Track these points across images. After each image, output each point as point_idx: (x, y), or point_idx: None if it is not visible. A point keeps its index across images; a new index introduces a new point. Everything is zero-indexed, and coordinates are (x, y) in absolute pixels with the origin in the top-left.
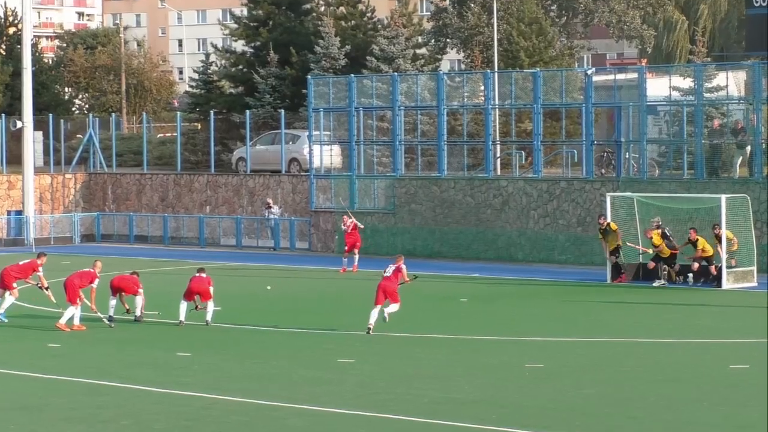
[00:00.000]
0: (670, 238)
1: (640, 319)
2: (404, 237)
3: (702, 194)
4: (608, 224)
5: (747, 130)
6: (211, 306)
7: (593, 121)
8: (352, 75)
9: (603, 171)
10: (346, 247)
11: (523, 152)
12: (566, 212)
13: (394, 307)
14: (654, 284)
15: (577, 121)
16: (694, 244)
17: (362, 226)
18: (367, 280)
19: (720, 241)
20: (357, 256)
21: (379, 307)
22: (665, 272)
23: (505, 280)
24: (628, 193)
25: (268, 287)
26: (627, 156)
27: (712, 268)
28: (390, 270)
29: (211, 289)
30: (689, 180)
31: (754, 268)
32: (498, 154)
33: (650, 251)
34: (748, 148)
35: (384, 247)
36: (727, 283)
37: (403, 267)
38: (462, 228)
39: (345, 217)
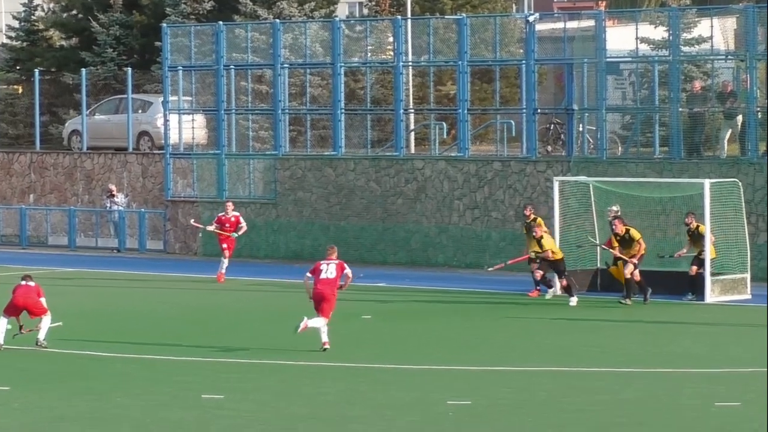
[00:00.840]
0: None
1: (595, 342)
2: (289, 235)
3: (679, 179)
4: (533, 219)
5: (738, 95)
6: (46, 322)
7: (536, 84)
8: (221, 22)
9: (549, 148)
10: (226, 248)
11: (444, 124)
12: (501, 203)
13: (317, 322)
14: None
15: (516, 83)
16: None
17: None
18: (242, 291)
19: (693, 237)
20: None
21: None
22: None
23: (420, 292)
24: (583, 178)
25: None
26: (581, 129)
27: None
28: (331, 270)
29: (43, 300)
30: (662, 160)
31: (747, 275)
32: (411, 127)
33: (615, 251)
34: (739, 118)
35: (262, 248)
36: (711, 295)
37: (346, 266)
38: (364, 223)
39: (229, 204)
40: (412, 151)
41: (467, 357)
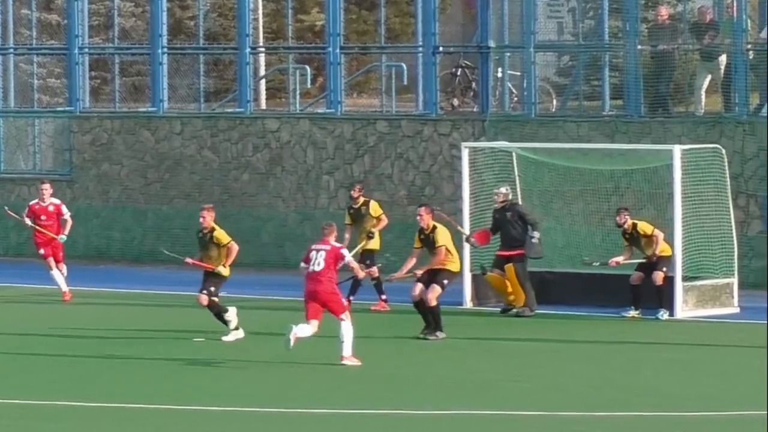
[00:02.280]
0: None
1: (522, 374)
2: (90, 225)
3: (638, 144)
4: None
5: (720, 27)
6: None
7: (437, 12)
8: None
9: (456, 102)
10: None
11: (308, 68)
12: (388, 178)
13: (306, 330)
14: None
15: (409, 12)
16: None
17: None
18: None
19: (632, 240)
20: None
21: (314, 322)
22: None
23: (274, 302)
24: (503, 143)
25: None
26: (500, 75)
27: None
28: (318, 260)
29: None
30: (615, 119)
31: (734, 280)
32: (262, 73)
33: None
34: (722, 59)
35: None
36: (684, 308)
37: (345, 252)
38: (196, 208)
39: (45, 187)
40: (263, 106)
41: (338, 396)
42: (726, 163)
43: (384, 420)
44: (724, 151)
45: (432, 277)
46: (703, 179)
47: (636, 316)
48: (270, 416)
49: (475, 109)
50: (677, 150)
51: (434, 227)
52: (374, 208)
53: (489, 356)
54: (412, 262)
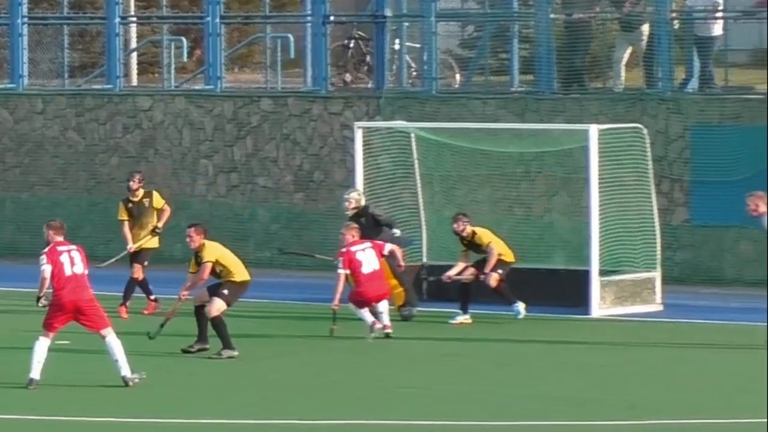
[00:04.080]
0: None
1: (416, 382)
2: None
3: (551, 124)
4: None
5: None
6: (114, 346)
7: None
8: None
9: (348, 78)
10: None
11: (184, 40)
12: (273, 162)
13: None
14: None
15: None
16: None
17: None
18: None
19: (472, 248)
20: None
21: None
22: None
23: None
24: (400, 123)
25: None
26: (397, 47)
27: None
28: (370, 258)
29: None
30: (525, 95)
31: (657, 274)
32: (133, 45)
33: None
34: (645, 29)
35: None
36: (601, 306)
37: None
38: (61, 196)
39: None
40: (134, 83)
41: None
42: (648, 145)
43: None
44: (645, 131)
45: (216, 289)
46: (622, 162)
47: (465, 321)
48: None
49: (369, 85)
50: (594, 130)
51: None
52: (157, 199)
53: (391, 362)
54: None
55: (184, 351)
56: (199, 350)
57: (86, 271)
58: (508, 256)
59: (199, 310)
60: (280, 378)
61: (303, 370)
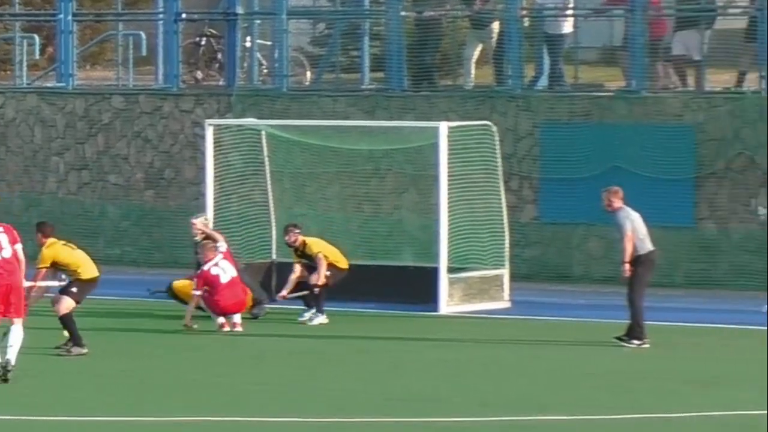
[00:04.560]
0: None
1: (271, 377)
2: None
3: (401, 121)
4: None
5: None
6: (16, 335)
7: None
8: None
9: (200, 75)
10: None
11: (36, 37)
12: (124, 160)
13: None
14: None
15: None
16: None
17: None
18: None
19: (302, 256)
20: None
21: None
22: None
23: None
24: (251, 120)
25: None
26: (248, 44)
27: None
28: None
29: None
30: (375, 93)
31: (505, 271)
32: None
33: None
34: (495, 26)
35: None
36: (449, 303)
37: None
38: None
39: None
40: None
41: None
42: (497, 142)
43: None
44: (495, 129)
45: (65, 287)
46: (471, 160)
47: (323, 323)
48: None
49: (221, 83)
50: (443, 127)
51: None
52: None
53: (240, 359)
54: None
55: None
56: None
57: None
58: (342, 263)
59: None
60: (128, 375)
61: (152, 367)
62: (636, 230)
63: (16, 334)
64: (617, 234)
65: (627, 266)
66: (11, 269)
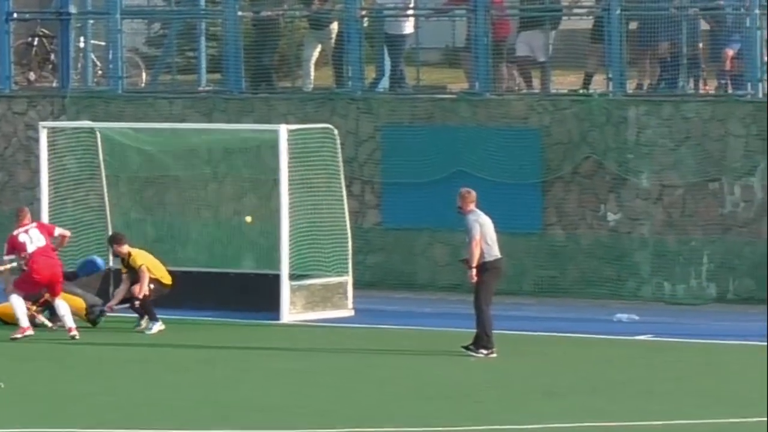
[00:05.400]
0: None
1: (109, 386)
2: None
3: (240, 124)
4: None
5: None
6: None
7: None
8: None
9: (32, 76)
10: None
11: None
12: None
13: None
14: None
15: None
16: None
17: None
18: None
19: (128, 267)
20: None
21: None
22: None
23: None
24: (86, 123)
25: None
26: (82, 45)
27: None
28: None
29: None
30: (212, 95)
31: (348, 279)
32: None
33: None
34: (334, 27)
35: None
36: (291, 311)
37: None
38: None
39: None
40: None
41: None
42: (338, 146)
43: None
44: (336, 132)
45: None
46: (312, 164)
47: (160, 329)
48: None
49: (54, 84)
50: (283, 130)
51: None
52: None
53: (76, 367)
54: None
55: None
56: None
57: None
58: (165, 279)
59: None
60: None
61: None
62: (485, 235)
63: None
64: (466, 237)
65: (474, 272)
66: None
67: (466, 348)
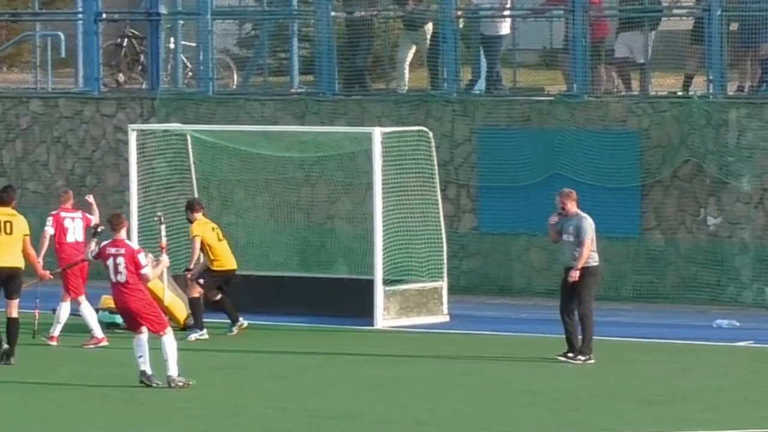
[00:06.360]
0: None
1: (194, 395)
2: None
3: (333, 126)
4: None
5: None
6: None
7: None
8: None
9: (122, 78)
10: None
11: None
12: (44, 166)
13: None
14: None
15: None
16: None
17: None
18: None
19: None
20: None
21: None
22: None
23: None
24: (176, 125)
25: None
26: (172, 46)
27: None
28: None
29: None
30: (305, 97)
31: (443, 284)
32: None
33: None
34: (429, 28)
35: None
36: (385, 317)
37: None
38: None
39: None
40: None
41: None
42: (433, 148)
43: None
44: (431, 134)
45: None
46: (406, 167)
47: (200, 338)
48: None
49: (143, 86)
50: (377, 133)
51: None
52: None
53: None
54: None
55: None
56: None
57: None
58: (221, 264)
59: None
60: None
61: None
62: (593, 240)
63: (166, 346)
64: (568, 238)
65: (578, 273)
66: (128, 293)
67: (564, 355)
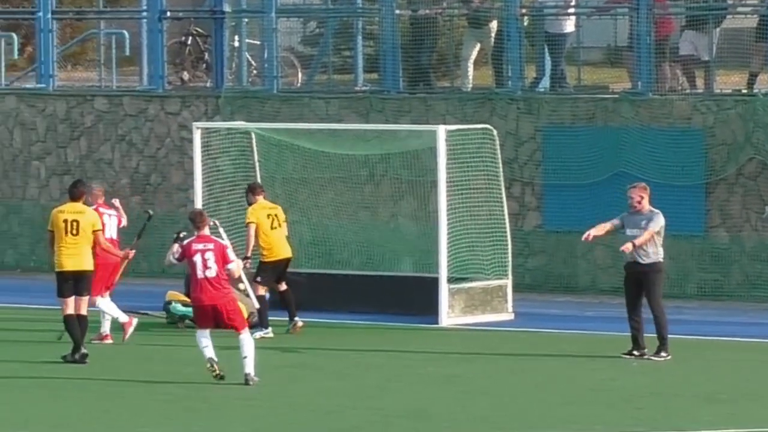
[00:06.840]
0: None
1: (262, 392)
2: None
3: (397, 125)
4: None
5: None
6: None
7: None
8: None
9: (186, 76)
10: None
11: (15, 36)
12: (109, 164)
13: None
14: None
15: None
16: None
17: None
18: None
19: None
20: None
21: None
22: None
23: None
24: (240, 123)
25: None
26: (236, 44)
27: None
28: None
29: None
30: (369, 95)
31: (508, 282)
32: None
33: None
34: (493, 25)
35: None
36: (450, 315)
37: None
38: None
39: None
40: None
41: None
42: (498, 146)
43: None
44: (495, 132)
45: None
46: (471, 165)
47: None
48: None
49: (208, 84)
50: (442, 131)
51: None
52: None
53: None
54: None
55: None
56: None
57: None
58: (274, 254)
59: None
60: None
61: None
62: (660, 235)
63: (246, 344)
64: (635, 232)
65: (631, 245)
66: (217, 288)
67: (629, 354)
